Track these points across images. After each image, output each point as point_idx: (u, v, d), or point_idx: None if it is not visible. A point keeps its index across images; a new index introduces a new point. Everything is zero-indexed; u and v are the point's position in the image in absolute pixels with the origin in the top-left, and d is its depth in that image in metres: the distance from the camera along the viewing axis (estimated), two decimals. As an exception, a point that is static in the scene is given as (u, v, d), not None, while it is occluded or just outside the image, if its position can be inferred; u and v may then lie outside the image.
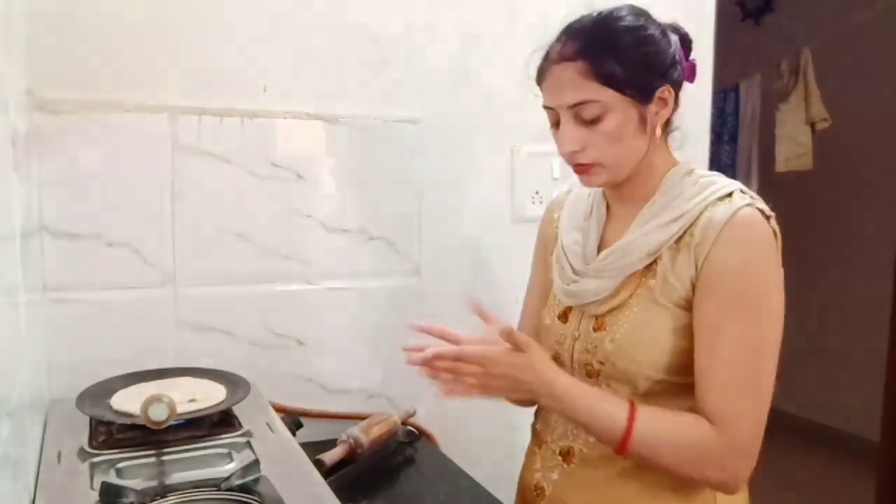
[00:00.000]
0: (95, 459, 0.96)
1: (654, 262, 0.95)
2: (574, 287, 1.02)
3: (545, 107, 0.99)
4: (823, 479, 3.24)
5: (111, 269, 1.26)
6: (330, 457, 1.21)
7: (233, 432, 1.06)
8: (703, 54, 1.75)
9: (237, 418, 1.11)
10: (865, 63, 3.34)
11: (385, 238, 1.46)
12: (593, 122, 0.93)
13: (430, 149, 1.48)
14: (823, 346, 3.65)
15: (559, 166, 1.56)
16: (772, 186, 3.36)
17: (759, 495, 3.36)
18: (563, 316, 1.06)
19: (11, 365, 0.79)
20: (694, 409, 0.92)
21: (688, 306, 0.92)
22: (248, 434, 1.06)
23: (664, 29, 0.97)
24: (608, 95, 0.91)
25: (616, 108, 0.92)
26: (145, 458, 0.97)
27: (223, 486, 0.88)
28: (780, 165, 3.04)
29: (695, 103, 1.76)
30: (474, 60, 1.49)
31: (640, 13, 0.97)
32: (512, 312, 1.57)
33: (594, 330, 0.99)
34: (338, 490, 0.91)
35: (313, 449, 1.17)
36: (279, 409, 1.29)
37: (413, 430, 1.43)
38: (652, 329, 0.94)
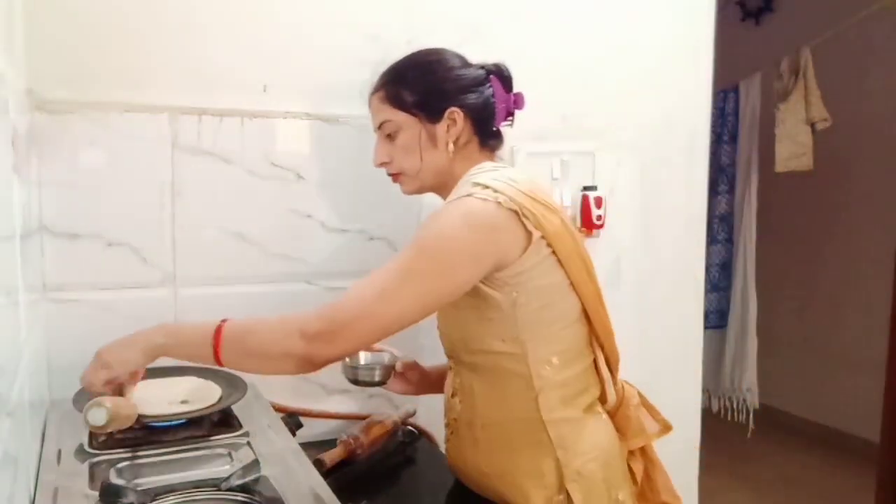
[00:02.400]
0: (95, 459, 0.96)
1: None
2: None
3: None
4: (823, 479, 3.24)
5: (111, 269, 1.26)
6: (330, 457, 1.21)
7: (233, 432, 1.06)
8: (704, 54, 1.75)
9: (237, 418, 1.11)
10: (865, 63, 3.34)
11: (385, 238, 1.46)
12: (392, 137, 1.14)
13: (430, 149, 1.47)
14: (823, 346, 3.65)
15: (559, 166, 1.56)
16: (772, 186, 3.36)
17: (759, 495, 3.37)
18: None
19: (11, 365, 0.79)
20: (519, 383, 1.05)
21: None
22: (248, 434, 1.06)
23: (466, 63, 1.15)
24: (399, 116, 1.12)
25: (406, 126, 1.12)
26: (145, 458, 0.97)
27: (223, 486, 0.88)
28: (780, 165, 3.03)
29: (695, 103, 1.76)
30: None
31: (436, 51, 1.16)
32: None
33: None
34: (338, 490, 0.91)
35: (313, 449, 1.17)
36: (279, 409, 1.28)
37: (413, 430, 1.43)
38: (447, 315, 1.11)
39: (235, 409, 1.12)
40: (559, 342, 1.06)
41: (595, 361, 1.11)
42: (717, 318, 3.30)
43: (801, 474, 3.28)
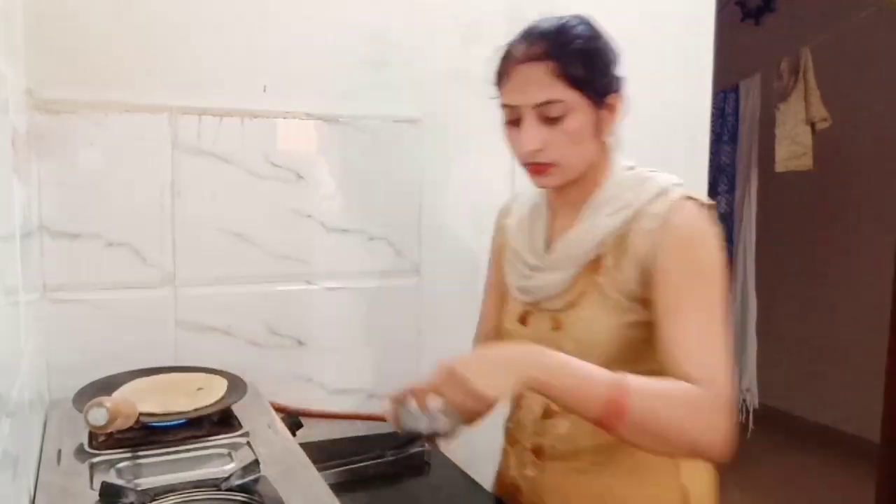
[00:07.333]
0: (95, 459, 0.96)
1: (600, 259, 0.97)
2: (530, 283, 1.04)
3: (505, 105, 0.99)
4: (823, 479, 3.24)
5: (111, 269, 1.26)
6: None
7: (233, 432, 1.06)
8: (703, 54, 1.75)
9: (237, 418, 1.11)
10: (865, 63, 3.34)
11: (385, 238, 1.46)
12: (556, 121, 0.94)
13: (430, 149, 1.48)
14: (823, 346, 3.65)
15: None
16: (772, 186, 3.36)
17: (760, 495, 3.36)
18: (523, 319, 1.06)
19: (11, 365, 0.79)
20: None
21: (635, 298, 0.94)
22: (248, 434, 1.06)
23: (610, 41, 1.00)
24: (572, 96, 0.94)
25: (578, 108, 0.94)
26: (145, 458, 0.97)
27: (223, 486, 0.88)
28: (780, 165, 3.03)
29: (695, 103, 1.76)
30: (474, 59, 1.49)
31: (594, 25, 1.00)
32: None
33: (553, 329, 1.01)
34: (338, 490, 0.91)
35: (313, 449, 1.17)
36: (279, 409, 1.28)
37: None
38: (604, 324, 0.96)
39: (235, 409, 1.12)
40: None
41: None
42: (717, 319, 3.30)
43: (801, 474, 3.28)
